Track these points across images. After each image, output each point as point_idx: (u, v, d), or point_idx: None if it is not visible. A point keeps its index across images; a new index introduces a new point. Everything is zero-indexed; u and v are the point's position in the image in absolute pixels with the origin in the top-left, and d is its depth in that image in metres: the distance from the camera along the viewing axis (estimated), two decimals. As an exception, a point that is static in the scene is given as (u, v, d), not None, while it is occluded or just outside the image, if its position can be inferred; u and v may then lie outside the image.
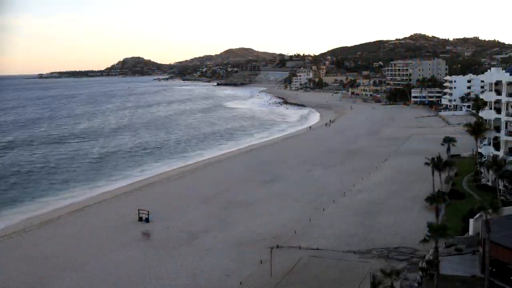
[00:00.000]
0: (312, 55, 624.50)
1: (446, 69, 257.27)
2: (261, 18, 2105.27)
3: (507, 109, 69.55)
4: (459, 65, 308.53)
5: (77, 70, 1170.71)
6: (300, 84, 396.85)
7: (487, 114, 74.28)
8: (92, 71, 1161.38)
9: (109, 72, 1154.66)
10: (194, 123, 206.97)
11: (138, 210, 69.92)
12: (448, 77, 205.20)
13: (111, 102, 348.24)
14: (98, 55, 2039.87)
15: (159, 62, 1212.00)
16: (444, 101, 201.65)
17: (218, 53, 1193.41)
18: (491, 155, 70.26)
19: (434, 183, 65.98)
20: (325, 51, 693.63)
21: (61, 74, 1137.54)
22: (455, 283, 40.57)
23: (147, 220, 68.23)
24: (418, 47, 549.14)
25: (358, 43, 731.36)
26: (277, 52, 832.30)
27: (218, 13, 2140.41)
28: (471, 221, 49.25)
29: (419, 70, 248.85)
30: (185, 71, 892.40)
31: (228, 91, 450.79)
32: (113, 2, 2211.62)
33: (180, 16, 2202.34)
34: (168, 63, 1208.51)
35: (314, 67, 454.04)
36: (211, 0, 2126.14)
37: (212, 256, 54.53)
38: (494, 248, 39.72)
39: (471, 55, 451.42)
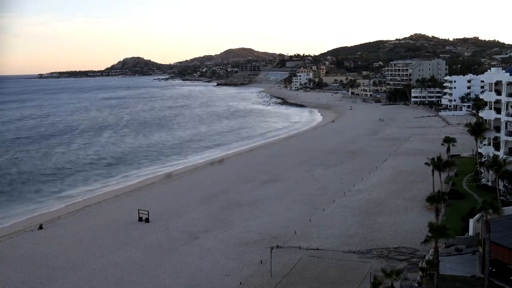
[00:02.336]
0: (312, 55, 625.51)
1: (446, 69, 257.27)
2: (261, 18, 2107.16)
3: (507, 109, 69.50)
4: (459, 65, 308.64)
5: (77, 70, 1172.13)
6: (300, 84, 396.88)
7: (487, 114, 74.22)
8: (92, 71, 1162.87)
9: (109, 72, 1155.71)
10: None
11: (138, 210, 69.93)
12: (448, 77, 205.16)
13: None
14: (98, 55, 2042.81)
15: (159, 62, 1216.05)
16: (444, 101, 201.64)
17: (218, 53, 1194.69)
18: (491, 155, 70.20)
19: (434, 183, 65.93)
20: (325, 51, 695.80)
21: (61, 74, 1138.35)
22: (455, 283, 40.59)
23: (147, 220, 68.24)
24: (418, 47, 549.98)
25: (358, 43, 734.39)
26: (277, 52, 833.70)
27: (218, 13, 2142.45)
28: (471, 221, 49.30)
29: (419, 70, 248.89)
30: (185, 71, 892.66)
31: (228, 91, 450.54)
32: (114, 2, 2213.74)
33: (180, 16, 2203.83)
34: (168, 63, 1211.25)
35: (314, 67, 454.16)
36: (211, 0, 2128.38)
37: (212, 256, 54.53)
38: (494, 248, 39.73)
39: (471, 55, 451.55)
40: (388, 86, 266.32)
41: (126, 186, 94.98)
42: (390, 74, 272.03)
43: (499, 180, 64.00)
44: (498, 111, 71.62)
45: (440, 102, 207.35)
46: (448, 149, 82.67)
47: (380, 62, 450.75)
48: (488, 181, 71.58)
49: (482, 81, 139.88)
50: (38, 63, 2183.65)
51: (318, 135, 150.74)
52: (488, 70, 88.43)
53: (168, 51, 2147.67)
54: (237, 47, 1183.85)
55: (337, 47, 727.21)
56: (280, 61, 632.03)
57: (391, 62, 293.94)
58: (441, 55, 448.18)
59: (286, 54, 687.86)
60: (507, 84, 69.15)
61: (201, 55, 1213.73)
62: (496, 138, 72.51)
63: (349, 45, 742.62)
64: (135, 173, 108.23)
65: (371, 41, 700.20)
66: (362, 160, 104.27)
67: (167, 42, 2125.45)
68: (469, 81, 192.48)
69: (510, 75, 69.28)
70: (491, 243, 39.23)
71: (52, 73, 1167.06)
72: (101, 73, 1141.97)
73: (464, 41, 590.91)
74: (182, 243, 59.41)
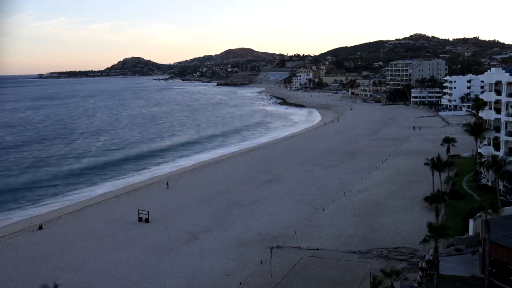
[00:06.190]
0: (312, 55, 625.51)
1: (446, 69, 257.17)
2: (261, 18, 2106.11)
3: (507, 109, 69.47)
4: (459, 65, 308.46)
5: (77, 70, 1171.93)
6: (300, 84, 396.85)
7: (487, 114, 74.20)
8: (92, 71, 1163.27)
9: (109, 72, 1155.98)
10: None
11: (138, 210, 69.91)
12: (448, 77, 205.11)
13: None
14: (98, 55, 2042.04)
15: (159, 62, 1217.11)
16: (444, 101, 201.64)
17: (218, 53, 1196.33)
18: (491, 155, 70.21)
19: (434, 183, 65.95)
20: (325, 51, 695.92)
21: (61, 74, 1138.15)
22: (455, 283, 40.57)
23: (147, 220, 68.22)
24: (418, 47, 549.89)
25: (358, 43, 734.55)
26: (277, 52, 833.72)
27: (218, 13, 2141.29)
28: (471, 221, 49.27)
29: (419, 70, 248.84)
30: (185, 71, 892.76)
31: (228, 91, 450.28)
32: (113, 2, 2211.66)
33: (179, 16, 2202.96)
34: (168, 63, 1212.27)
35: (314, 67, 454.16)
36: (211, 0, 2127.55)
37: (212, 256, 54.52)
38: (494, 248, 39.72)
39: (471, 55, 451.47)
40: (388, 86, 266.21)
41: (126, 186, 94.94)
42: (390, 74, 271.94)
43: (499, 180, 64.00)
44: (498, 111, 71.58)
45: (440, 102, 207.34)
46: (448, 149, 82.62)
47: (380, 62, 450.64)
48: (488, 181, 71.56)
49: (482, 81, 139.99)
50: (38, 63, 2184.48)
51: (318, 135, 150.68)
52: (488, 70, 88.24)
53: (168, 51, 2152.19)
54: (237, 47, 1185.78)
55: (337, 47, 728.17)
56: (280, 61, 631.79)
57: (391, 62, 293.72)
58: (441, 55, 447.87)
59: (286, 54, 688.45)
60: (507, 84, 69.13)
61: (201, 55, 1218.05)
62: (496, 138, 72.49)
63: (349, 45, 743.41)
64: (135, 173, 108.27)
65: (371, 41, 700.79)
66: (362, 160, 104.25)
67: (167, 42, 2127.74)
68: (469, 81, 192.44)
69: (510, 75, 69.23)
70: (491, 243, 39.22)
71: (52, 73, 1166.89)
72: (101, 73, 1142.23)
73: (464, 41, 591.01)
74: (182, 243, 59.39)
